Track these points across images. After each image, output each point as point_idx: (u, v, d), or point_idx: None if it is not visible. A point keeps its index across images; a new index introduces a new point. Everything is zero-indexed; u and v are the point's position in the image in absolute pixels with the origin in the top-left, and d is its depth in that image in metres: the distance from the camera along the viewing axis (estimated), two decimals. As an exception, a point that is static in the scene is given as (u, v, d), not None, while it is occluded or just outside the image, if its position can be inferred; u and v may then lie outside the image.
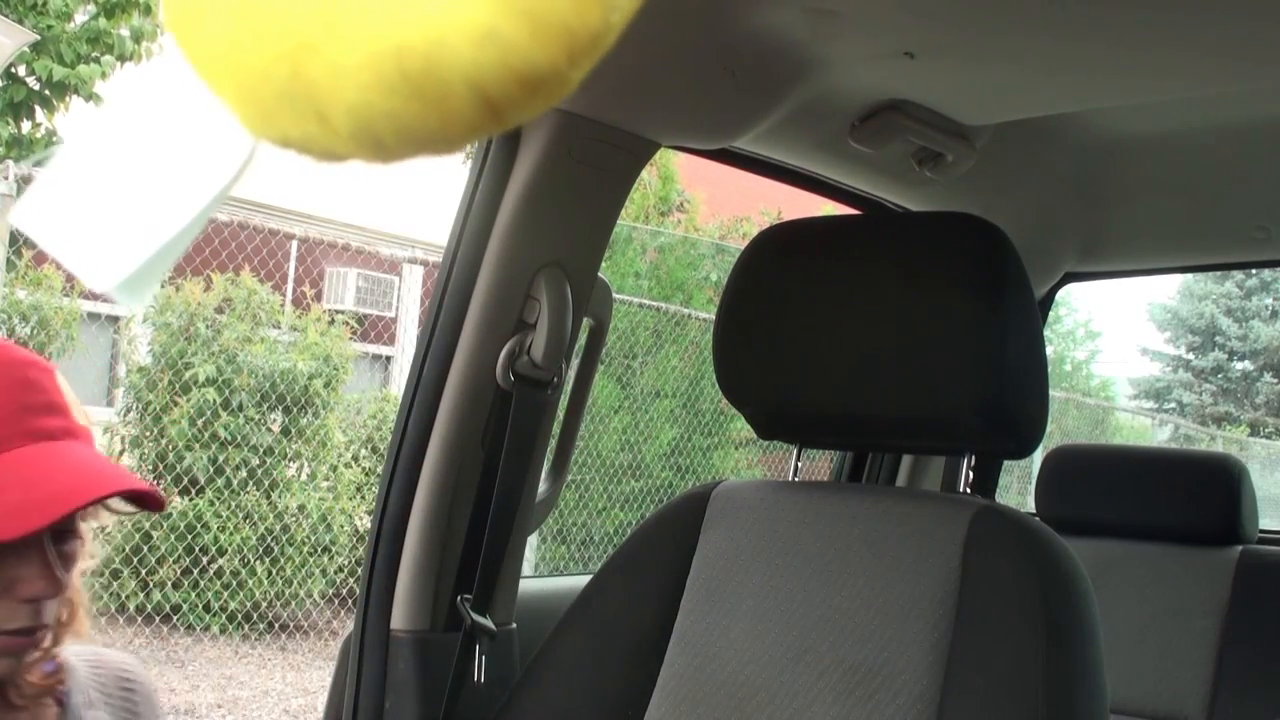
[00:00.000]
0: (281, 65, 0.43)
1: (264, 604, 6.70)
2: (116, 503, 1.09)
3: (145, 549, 6.40)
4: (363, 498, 7.20)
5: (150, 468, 6.58)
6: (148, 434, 6.54)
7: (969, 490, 1.40)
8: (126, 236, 0.51)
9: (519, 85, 0.42)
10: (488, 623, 1.53)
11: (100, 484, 1.03)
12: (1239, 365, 20.14)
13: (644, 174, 4.59)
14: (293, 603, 6.85)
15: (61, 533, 1.07)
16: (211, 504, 6.44)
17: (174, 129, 0.51)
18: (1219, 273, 17.95)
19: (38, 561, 1.04)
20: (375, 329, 9.64)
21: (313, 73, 0.42)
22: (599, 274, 1.64)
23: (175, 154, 0.51)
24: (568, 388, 1.70)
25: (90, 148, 0.53)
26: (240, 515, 6.50)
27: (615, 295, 1.74)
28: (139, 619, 6.47)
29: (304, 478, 6.91)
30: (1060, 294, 2.63)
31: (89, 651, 1.24)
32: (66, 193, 0.53)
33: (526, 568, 2.02)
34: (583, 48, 0.42)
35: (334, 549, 6.94)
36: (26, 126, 7.78)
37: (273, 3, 0.42)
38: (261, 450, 6.63)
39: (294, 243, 7.66)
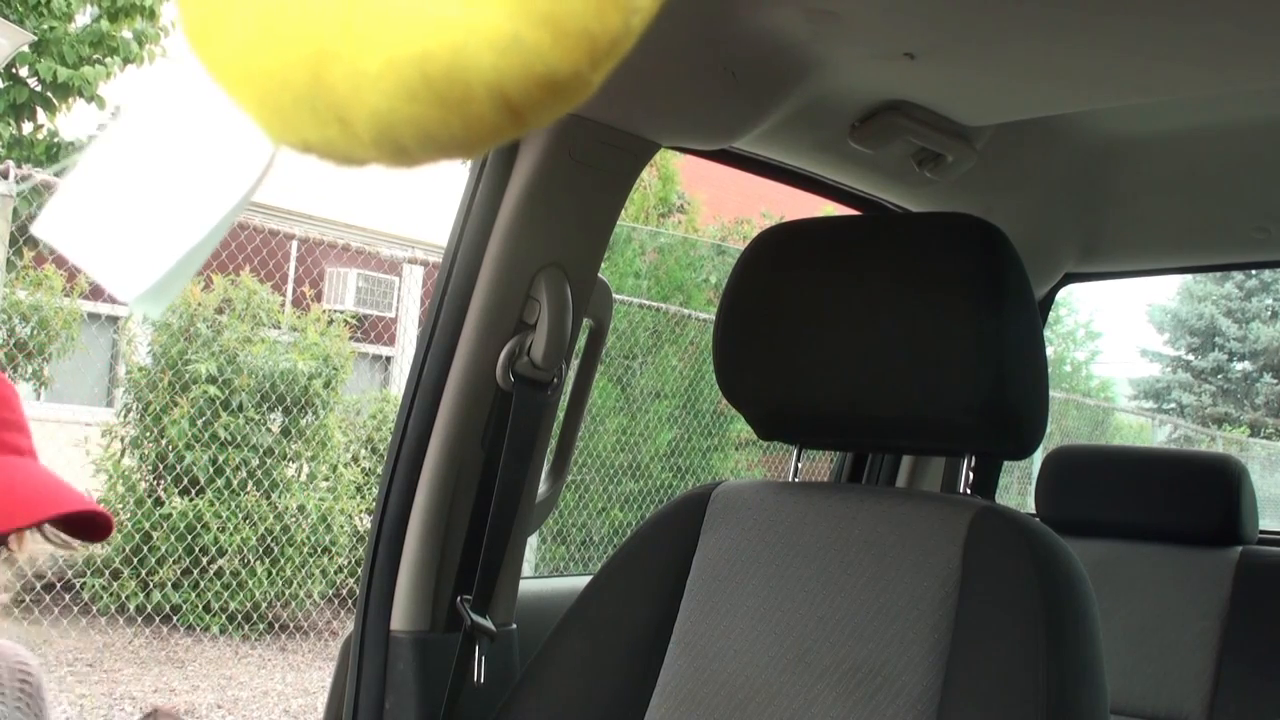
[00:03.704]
0: (302, 71, 0.43)
1: (264, 604, 6.70)
2: (53, 533, 1.14)
3: (145, 549, 6.40)
4: (363, 498, 7.20)
5: (150, 468, 6.58)
6: (148, 434, 6.54)
7: (969, 491, 1.40)
8: (150, 245, 0.52)
9: (541, 90, 0.42)
10: (488, 623, 1.53)
11: (68, 500, 1.07)
12: (1239, 366, 20.14)
13: (644, 174, 4.60)
14: (293, 603, 6.85)
15: None
16: (211, 504, 6.45)
17: (193, 136, 0.51)
18: (1219, 274, 17.96)
19: None
20: (375, 329, 9.64)
21: (334, 78, 0.42)
22: (599, 275, 1.64)
23: (195, 161, 0.51)
24: (568, 388, 1.70)
25: (110, 156, 0.53)
26: (240, 515, 6.51)
27: (615, 295, 1.74)
28: (139, 619, 6.47)
29: (304, 478, 6.91)
30: (1060, 294, 2.63)
31: None
32: (88, 202, 0.53)
33: (526, 568, 2.02)
34: (604, 51, 0.42)
35: (334, 549, 6.95)
36: (28, 128, 7.78)
37: (292, 9, 0.42)
38: (261, 450, 6.63)
39: (294, 243, 7.67)
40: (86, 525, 1.11)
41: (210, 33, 0.45)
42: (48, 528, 1.11)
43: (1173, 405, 20.19)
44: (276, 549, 6.65)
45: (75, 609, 6.28)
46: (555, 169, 1.51)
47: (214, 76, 0.46)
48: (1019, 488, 10.44)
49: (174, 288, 0.53)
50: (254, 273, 6.97)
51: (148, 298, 0.52)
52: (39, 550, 1.17)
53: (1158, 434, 15.31)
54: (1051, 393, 2.24)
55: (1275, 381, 19.78)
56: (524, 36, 0.41)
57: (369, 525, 2.77)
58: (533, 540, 5.89)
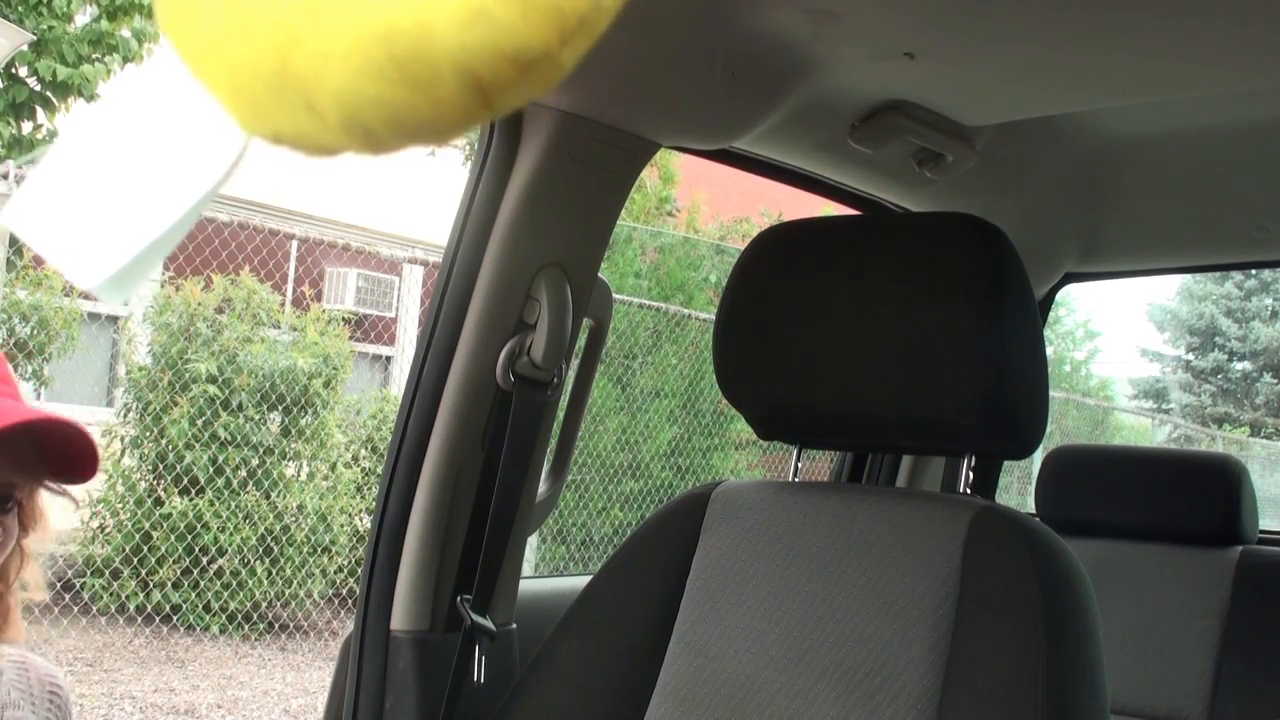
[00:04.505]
0: (270, 59, 0.43)
1: (264, 604, 6.70)
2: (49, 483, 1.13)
3: (145, 549, 6.40)
4: (362, 497, 7.20)
5: (150, 468, 6.58)
6: (148, 434, 6.54)
7: (969, 491, 1.40)
8: (115, 234, 0.52)
9: (510, 67, 0.42)
10: (488, 623, 1.53)
11: (28, 411, 1.07)
12: (1239, 366, 20.14)
13: (644, 174, 4.60)
14: (293, 603, 6.85)
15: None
16: (211, 504, 6.44)
17: (166, 126, 0.51)
18: (1219, 274, 17.95)
19: None
20: (375, 329, 9.65)
21: (300, 63, 0.42)
22: (599, 274, 1.65)
23: (167, 151, 0.51)
24: (568, 388, 1.70)
25: (82, 145, 0.53)
26: (240, 515, 6.51)
27: (615, 295, 1.74)
28: (139, 619, 6.47)
29: (304, 477, 6.91)
30: (1060, 294, 2.63)
31: (17, 654, 1.27)
32: (56, 190, 0.53)
33: (526, 568, 2.02)
34: (573, 28, 0.42)
35: (334, 549, 6.94)
36: (28, 127, 7.79)
37: None
38: (261, 450, 6.63)
39: (294, 243, 7.67)
40: (74, 463, 1.10)
41: (184, 22, 0.45)
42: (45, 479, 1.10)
43: (1173, 405, 20.18)
44: (276, 549, 6.65)
45: (75, 609, 6.27)
46: (555, 169, 1.51)
47: (188, 66, 0.46)
48: (1019, 488, 10.44)
49: (137, 277, 0.53)
50: (254, 272, 6.97)
51: (108, 286, 0.52)
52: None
53: (1158, 434, 15.32)
54: (1051, 393, 2.24)
55: (1275, 381, 19.77)
56: (491, 10, 0.40)
57: (369, 525, 2.77)
58: (533, 540, 5.88)
